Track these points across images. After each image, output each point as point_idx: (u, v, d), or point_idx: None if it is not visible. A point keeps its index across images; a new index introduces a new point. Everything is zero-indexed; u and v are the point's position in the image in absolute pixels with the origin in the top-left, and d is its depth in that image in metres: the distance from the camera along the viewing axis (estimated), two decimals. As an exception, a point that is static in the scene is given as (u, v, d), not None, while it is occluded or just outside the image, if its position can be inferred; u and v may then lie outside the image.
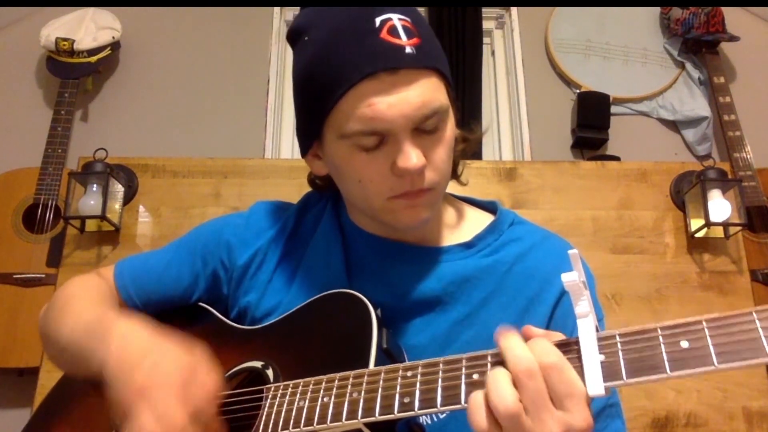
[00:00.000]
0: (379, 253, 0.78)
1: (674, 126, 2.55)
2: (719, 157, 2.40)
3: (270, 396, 0.64)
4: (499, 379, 0.49)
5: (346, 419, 0.56)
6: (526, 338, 0.52)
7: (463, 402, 0.52)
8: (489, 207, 0.85)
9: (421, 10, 2.55)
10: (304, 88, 0.70)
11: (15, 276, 2.04)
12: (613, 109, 2.48)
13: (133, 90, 2.50)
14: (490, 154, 2.57)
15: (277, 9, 2.66)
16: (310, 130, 0.71)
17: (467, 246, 0.77)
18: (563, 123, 2.52)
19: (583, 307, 0.51)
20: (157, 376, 0.62)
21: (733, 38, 2.47)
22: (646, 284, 1.97)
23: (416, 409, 0.53)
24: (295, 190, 0.94)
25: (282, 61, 2.62)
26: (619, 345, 0.49)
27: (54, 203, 2.13)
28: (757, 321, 0.45)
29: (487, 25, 2.71)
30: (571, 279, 0.50)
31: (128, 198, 2.03)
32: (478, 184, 2.06)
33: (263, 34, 2.61)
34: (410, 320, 0.74)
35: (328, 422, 0.57)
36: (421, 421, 0.67)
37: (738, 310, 0.46)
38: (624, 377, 0.48)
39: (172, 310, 0.84)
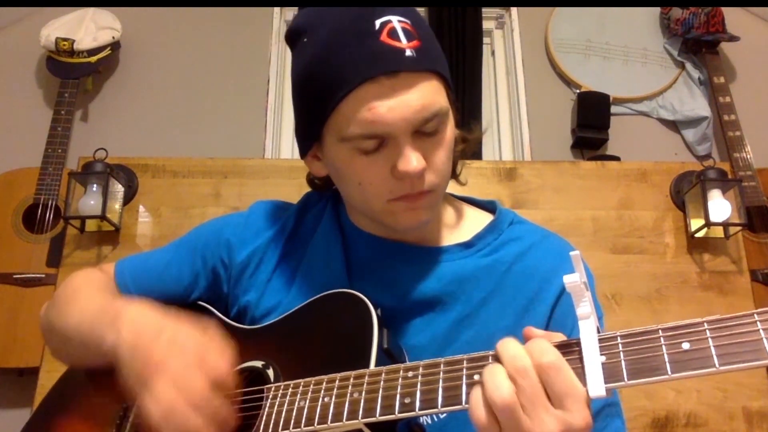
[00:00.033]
0: (379, 253, 0.78)
1: (674, 126, 2.55)
2: (719, 157, 2.40)
3: (270, 396, 0.64)
4: (495, 373, 0.50)
5: (347, 419, 0.56)
6: (527, 339, 0.52)
7: (463, 403, 0.52)
8: (488, 207, 0.85)
9: (421, 10, 2.55)
10: (303, 90, 0.70)
11: (15, 276, 2.04)
12: (613, 109, 2.48)
13: (133, 90, 2.50)
14: (490, 154, 2.57)
15: (277, 9, 2.66)
16: (310, 131, 0.71)
17: (467, 246, 0.77)
18: (563, 123, 2.52)
19: (584, 308, 0.51)
20: (174, 350, 0.62)
21: (733, 38, 2.46)
22: (646, 284, 1.97)
23: (417, 409, 0.54)
24: (295, 190, 0.94)
25: (282, 61, 2.62)
26: (620, 346, 0.49)
27: (54, 203, 2.13)
28: (758, 323, 0.45)
29: (487, 25, 2.71)
30: (573, 280, 0.50)
31: (128, 198, 2.03)
32: (478, 184, 2.05)
33: (263, 34, 2.61)
34: (410, 320, 0.74)
35: (329, 422, 0.57)
36: (421, 421, 0.67)
37: (739, 311, 0.46)
38: (625, 378, 0.48)
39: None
